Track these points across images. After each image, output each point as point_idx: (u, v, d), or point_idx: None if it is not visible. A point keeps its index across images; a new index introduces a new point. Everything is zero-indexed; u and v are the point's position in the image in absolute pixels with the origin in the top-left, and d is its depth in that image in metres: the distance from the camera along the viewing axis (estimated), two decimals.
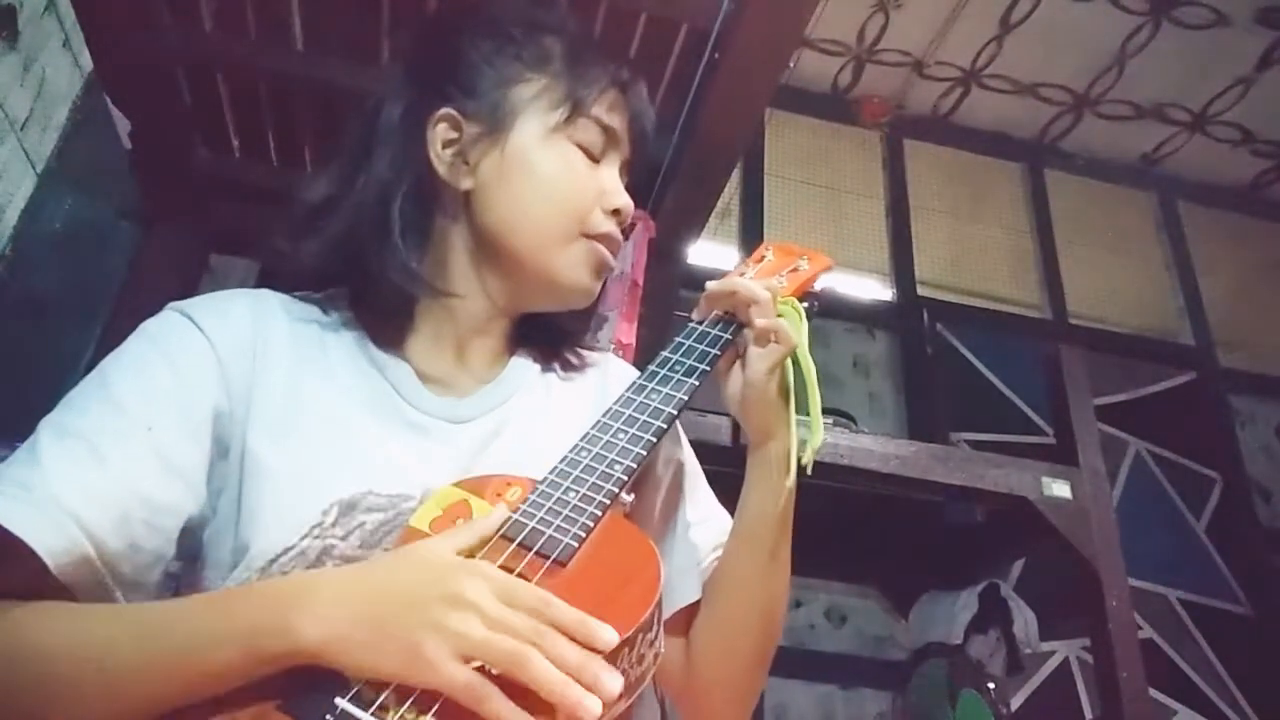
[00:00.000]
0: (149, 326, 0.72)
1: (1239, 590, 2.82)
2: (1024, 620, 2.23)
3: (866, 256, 3.12)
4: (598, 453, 0.66)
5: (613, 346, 1.50)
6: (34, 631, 0.55)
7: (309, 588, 0.54)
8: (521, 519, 0.61)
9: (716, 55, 1.42)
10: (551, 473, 0.65)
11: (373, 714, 0.48)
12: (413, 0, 1.42)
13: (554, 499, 0.62)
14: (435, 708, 0.49)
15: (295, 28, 1.50)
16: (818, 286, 0.84)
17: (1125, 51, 3.10)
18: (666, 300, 1.69)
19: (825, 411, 1.84)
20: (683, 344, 0.76)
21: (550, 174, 0.77)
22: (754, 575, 0.75)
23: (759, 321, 0.74)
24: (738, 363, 0.76)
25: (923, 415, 2.79)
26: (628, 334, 1.53)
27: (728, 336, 0.76)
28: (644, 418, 0.70)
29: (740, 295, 0.75)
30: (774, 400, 0.74)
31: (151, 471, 0.62)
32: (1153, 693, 2.10)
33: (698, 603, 0.77)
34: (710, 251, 2.79)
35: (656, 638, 0.59)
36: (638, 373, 0.76)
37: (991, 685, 2.08)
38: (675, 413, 0.70)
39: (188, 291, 1.77)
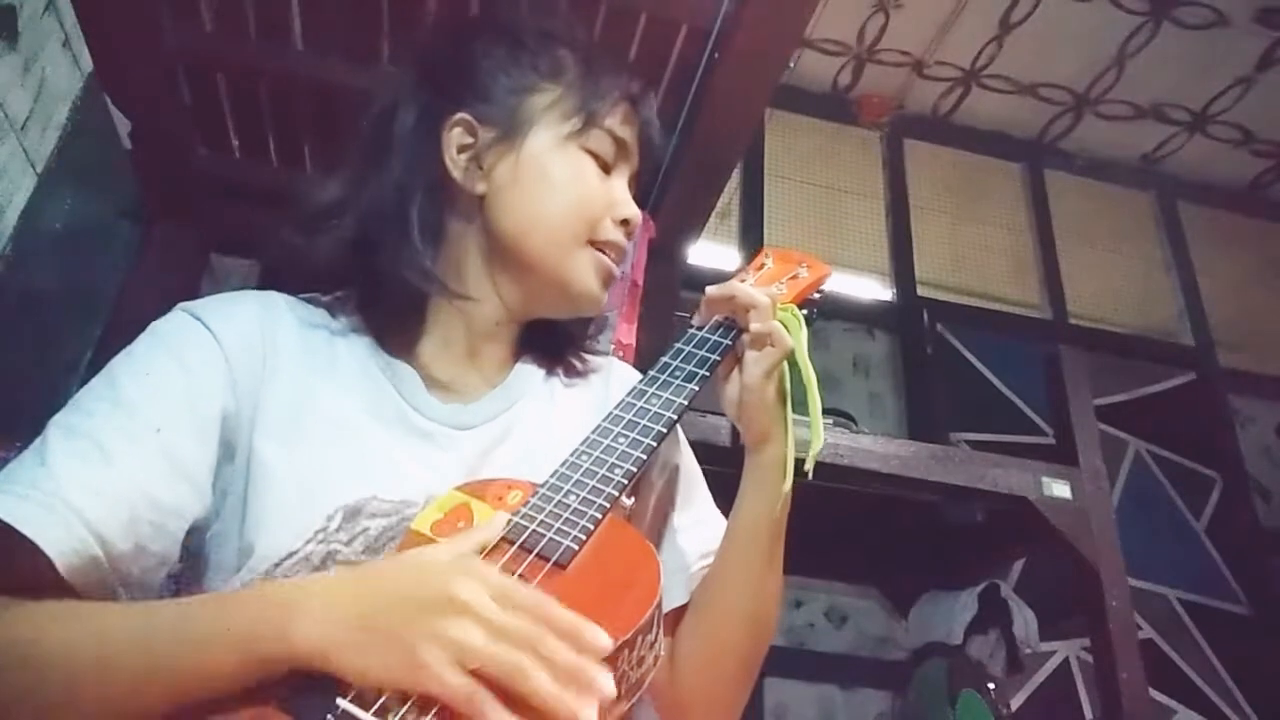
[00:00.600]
0: (158, 326, 0.72)
1: (1239, 590, 2.82)
2: (1024, 620, 2.23)
3: (866, 256, 3.11)
4: (598, 456, 0.67)
5: (612, 347, 1.50)
6: (36, 631, 0.55)
7: (307, 593, 0.54)
8: (522, 522, 0.61)
9: (716, 55, 1.42)
10: (552, 476, 0.66)
11: (374, 714, 0.48)
12: (413, 1, 1.42)
13: (554, 502, 0.63)
14: (435, 710, 0.49)
15: (295, 28, 1.49)
16: (817, 294, 0.85)
17: (1125, 51, 3.10)
18: (666, 301, 1.69)
19: (825, 412, 1.85)
20: (682, 349, 0.77)
21: (564, 180, 0.79)
22: (745, 580, 0.75)
23: (754, 326, 0.74)
24: (736, 367, 0.76)
25: (923, 415, 2.79)
26: (627, 334, 1.53)
27: (727, 342, 0.76)
28: (644, 422, 0.70)
29: (738, 300, 0.76)
30: (771, 405, 0.74)
31: (159, 473, 0.63)
32: (1153, 693, 2.11)
33: (684, 608, 0.77)
34: (710, 252, 2.79)
35: (656, 640, 0.59)
36: (640, 376, 0.77)
37: (991, 685, 2.08)
38: (675, 417, 0.71)
39: (188, 292, 1.77)
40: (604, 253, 0.81)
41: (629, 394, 0.74)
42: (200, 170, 1.73)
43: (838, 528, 1.96)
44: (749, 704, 0.79)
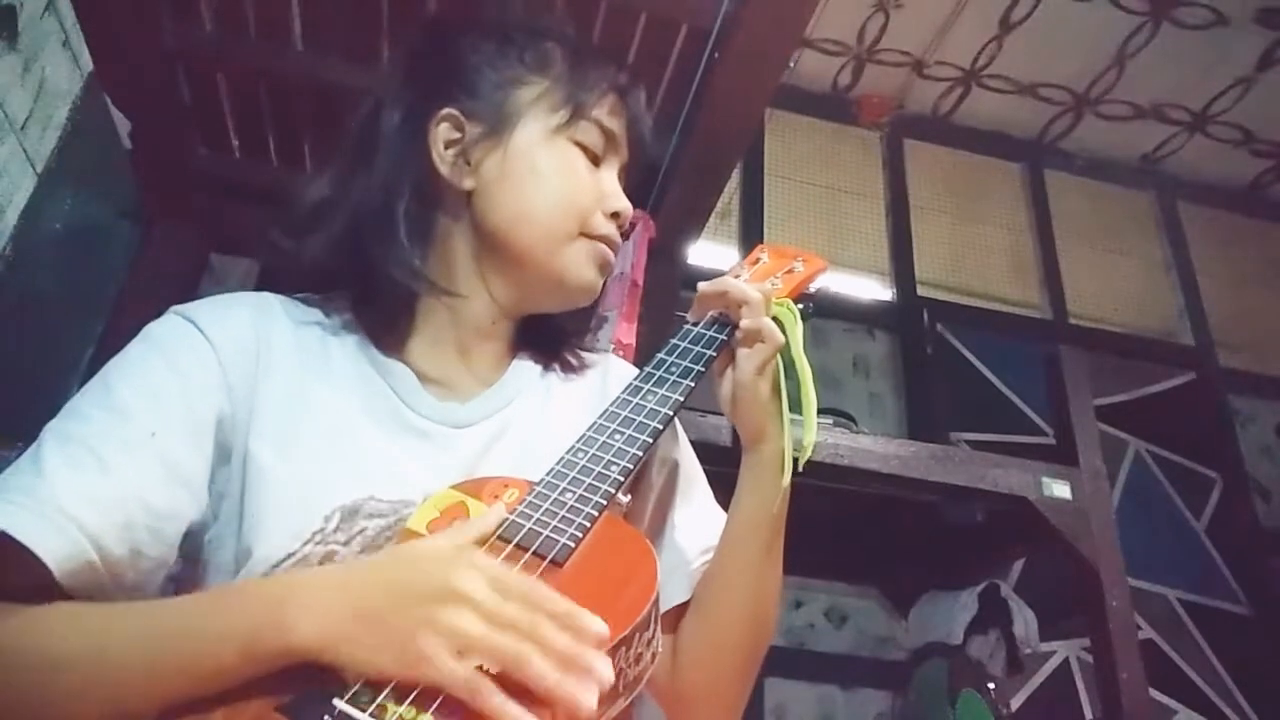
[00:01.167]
0: (152, 330, 0.71)
1: (1239, 590, 2.82)
2: (1024, 620, 2.22)
3: (866, 256, 3.11)
4: (594, 454, 0.67)
5: (612, 346, 1.50)
6: (35, 635, 0.55)
7: (305, 585, 0.55)
8: (518, 520, 0.61)
9: (716, 55, 1.42)
10: (548, 474, 0.65)
11: (371, 714, 0.48)
12: (413, 1, 1.42)
13: (551, 500, 0.63)
14: (435, 705, 0.49)
15: (295, 28, 1.50)
16: (813, 288, 0.85)
17: (1125, 51, 3.10)
18: (666, 300, 1.69)
19: (825, 412, 1.85)
20: (678, 345, 0.76)
21: (552, 173, 0.78)
22: (745, 576, 0.75)
23: (745, 322, 0.74)
24: (730, 364, 0.76)
25: (923, 415, 2.79)
26: (628, 334, 1.53)
27: (723, 338, 0.76)
28: (640, 419, 0.70)
29: (731, 296, 0.75)
30: (765, 401, 0.74)
31: (155, 478, 0.63)
32: (1153, 693, 2.11)
33: (686, 604, 0.77)
34: (710, 251, 2.79)
35: (654, 637, 0.59)
36: (638, 372, 0.76)
37: (991, 685, 2.08)
38: (671, 414, 0.71)
39: (188, 292, 1.77)
40: (599, 242, 0.80)
41: (625, 391, 0.73)
42: (200, 170, 1.73)
43: (838, 528, 1.96)
44: (749, 704, 0.79)
